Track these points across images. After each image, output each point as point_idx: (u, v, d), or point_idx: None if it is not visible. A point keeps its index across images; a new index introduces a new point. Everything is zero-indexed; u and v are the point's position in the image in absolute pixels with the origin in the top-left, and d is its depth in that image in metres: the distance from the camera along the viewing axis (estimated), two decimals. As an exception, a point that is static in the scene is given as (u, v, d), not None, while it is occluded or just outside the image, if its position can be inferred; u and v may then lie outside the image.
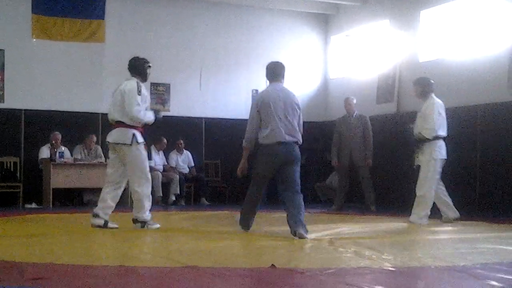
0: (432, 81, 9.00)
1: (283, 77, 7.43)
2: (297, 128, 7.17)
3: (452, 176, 11.28)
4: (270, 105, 7.05)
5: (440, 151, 8.69)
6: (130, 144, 7.46)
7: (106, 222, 7.57)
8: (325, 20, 14.78)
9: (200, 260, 5.12)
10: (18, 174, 12.02)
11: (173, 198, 12.47)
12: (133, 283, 4.16)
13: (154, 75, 13.25)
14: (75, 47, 12.60)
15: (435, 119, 8.59)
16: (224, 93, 13.70)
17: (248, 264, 4.99)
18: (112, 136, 7.62)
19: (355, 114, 11.43)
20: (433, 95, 8.82)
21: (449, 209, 8.84)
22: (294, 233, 6.65)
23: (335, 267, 4.77)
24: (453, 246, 6.29)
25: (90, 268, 4.68)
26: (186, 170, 13.06)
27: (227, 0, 13.73)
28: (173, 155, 13.02)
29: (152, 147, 12.70)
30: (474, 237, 7.10)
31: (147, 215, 7.60)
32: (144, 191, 7.58)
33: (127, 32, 13.09)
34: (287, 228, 7.67)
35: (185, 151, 13.13)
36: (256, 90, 14.01)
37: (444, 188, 8.94)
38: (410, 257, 5.42)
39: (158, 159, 12.76)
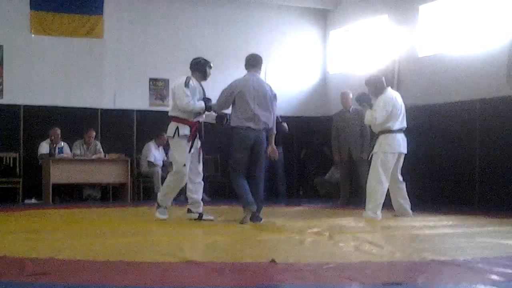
0: (383, 77, 8.93)
1: (259, 68, 8.04)
2: (270, 116, 7.80)
3: (452, 170, 11.32)
4: (244, 92, 7.74)
5: (390, 144, 8.51)
6: (172, 137, 7.97)
7: (200, 215, 8.09)
8: (324, 15, 14.77)
9: (200, 255, 5.13)
10: (17, 170, 12.02)
11: (173, 193, 12.44)
12: (133, 278, 4.16)
13: (152, 70, 13.38)
14: (74, 42, 12.59)
15: (378, 113, 8.45)
16: (222, 88, 13.65)
17: (248, 259, 4.98)
18: (168, 130, 8.21)
19: (351, 108, 11.41)
20: (388, 89, 8.74)
21: (400, 208, 8.74)
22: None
23: (335, 262, 4.77)
24: (453, 240, 6.30)
25: (90, 263, 4.69)
26: (186, 166, 13.02)
27: (226, -5, 13.74)
28: (173, 150, 12.99)
29: (152, 142, 12.70)
30: (474, 231, 7.11)
31: (163, 201, 8.08)
32: (171, 180, 7.99)
33: (125, 28, 13.07)
34: (288, 222, 7.69)
35: (184, 146, 13.09)
36: (255, 85, 14.02)
37: (403, 187, 8.78)
38: (410, 251, 5.43)
39: (158, 154, 12.75)
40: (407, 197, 8.83)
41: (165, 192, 8.07)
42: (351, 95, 11.42)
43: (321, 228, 7.13)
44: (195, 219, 8.00)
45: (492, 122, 10.75)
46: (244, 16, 14.11)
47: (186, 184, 8.11)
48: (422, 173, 11.58)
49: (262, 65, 8.11)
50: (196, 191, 8.13)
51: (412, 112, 10.65)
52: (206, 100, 8.11)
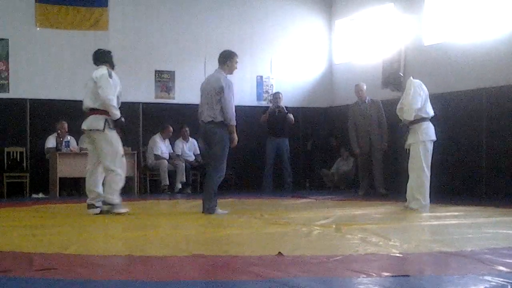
0: (399, 72, 8.96)
1: (223, 63, 8.13)
2: (213, 107, 7.95)
3: (459, 160, 11.29)
4: (202, 89, 8.19)
5: (426, 132, 8.50)
6: (103, 130, 7.75)
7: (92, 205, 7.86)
8: (329, 5, 14.72)
9: (206, 248, 5.13)
10: (24, 164, 12.05)
11: (179, 186, 12.47)
12: (140, 272, 4.17)
13: (158, 62, 13.37)
14: (79, 35, 12.58)
15: (412, 99, 8.41)
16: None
17: (255, 252, 4.99)
18: (85, 123, 7.91)
19: (367, 99, 11.42)
20: (410, 78, 8.69)
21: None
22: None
23: (342, 254, 4.77)
24: (460, 231, 6.28)
25: (97, 258, 4.70)
26: (192, 158, 13.05)
27: (231, -14, 13.71)
28: (179, 143, 13.01)
29: (158, 135, 12.70)
30: (481, 222, 7.10)
31: (115, 199, 7.79)
32: (115, 175, 7.78)
33: (130, 20, 13.06)
34: (294, 215, 7.69)
35: (190, 139, 13.10)
36: (261, 77, 14.01)
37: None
38: (417, 243, 5.42)
39: (164, 147, 12.76)
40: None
41: (117, 190, 7.83)
42: (365, 87, 11.43)
43: (327, 220, 7.13)
44: (97, 214, 7.78)
45: (499, 111, 10.71)
46: (249, 7, 14.07)
47: (87, 178, 8.00)
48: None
49: (229, 59, 8.09)
50: (96, 185, 7.93)
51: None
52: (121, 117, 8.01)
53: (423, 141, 8.50)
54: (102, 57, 8.12)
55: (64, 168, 11.42)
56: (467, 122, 11.18)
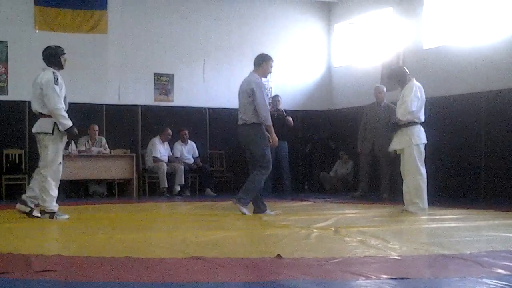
0: (404, 68, 8.98)
1: (257, 66, 8.23)
2: (247, 108, 8.02)
3: (457, 163, 11.30)
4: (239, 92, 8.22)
5: (419, 135, 8.54)
6: (52, 133, 7.57)
7: (31, 210, 7.66)
8: (328, 8, 14.73)
9: (205, 250, 5.13)
10: (23, 166, 12.03)
11: (178, 188, 12.47)
12: (139, 274, 4.16)
13: (157, 65, 13.37)
14: (78, 38, 12.57)
15: (411, 100, 8.42)
16: (227, 83, 13.63)
17: (254, 254, 4.98)
18: (35, 126, 7.74)
19: (383, 103, 11.41)
20: (413, 79, 8.69)
21: None
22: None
23: (341, 257, 4.77)
24: (459, 234, 6.28)
25: (96, 260, 4.69)
26: (191, 161, 13.05)
27: (230, -11, 13.72)
28: (178, 146, 13.02)
29: (157, 138, 12.70)
30: (480, 225, 7.10)
31: (52, 206, 7.58)
32: (49, 182, 7.58)
33: (129, 23, 13.06)
34: (293, 217, 7.69)
35: (189, 141, 13.11)
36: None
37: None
38: (416, 245, 5.42)
39: (163, 149, 12.76)
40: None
41: (52, 196, 7.59)
42: (385, 89, 11.41)
43: (326, 222, 7.13)
44: (24, 212, 7.66)
45: (498, 114, 10.72)
46: (249, 11, 14.08)
47: (34, 179, 7.74)
48: (427, 166, 11.52)
49: (264, 62, 8.18)
50: (35, 186, 7.70)
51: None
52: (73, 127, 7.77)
53: (417, 144, 8.53)
54: (48, 59, 7.86)
55: (63, 171, 11.35)
56: (466, 125, 11.19)
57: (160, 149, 12.68)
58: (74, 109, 12.44)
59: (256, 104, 7.93)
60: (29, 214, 7.63)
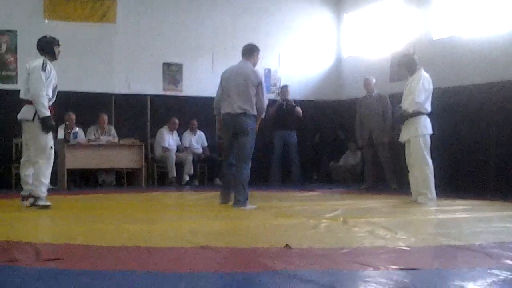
0: (415, 56, 8.98)
1: (249, 56, 8.17)
2: (249, 99, 7.86)
3: (467, 154, 11.25)
4: (227, 79, 8.00)
5: (426, 126, 8.56)
6: (32, 120, 7.52)
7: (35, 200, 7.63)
8: (338, -2, 14.67)
9: (213, 240, 5.13)
10: (32, 155, 12.04)
11: (187, 178, 12.48)
12: (147, 263, 4.17)
13: (166, 55, 13.36)
14: (87, 28, 12.57)
15: (418, 91, 8.44)
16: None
17: (262, 244, 4.98)
18: (20, 113, 7.73)
19: (374, 93, 11.41)
20: (421, 68, 8.69)
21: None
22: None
23: (349, 247, 4.76)
24: (468, 225, 6.27)
25: (105, 249, 4.71)
26: (200, 150, 13.06)
27: (239, -21, 13.68)
28: (187, 135, 13.02)
29: (165, 128, 12.71)
30: (490, 216, 7.08)
31: (42, 191, 7.57)
32: (41, 167, 7.57)
33: (138, 12, 13.04)
34: (302, 207, 7.68)
35: (198, 131, 13.12)
36: (269, 70, 13.97)
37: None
38: (425, 236, 5.41)
39: (172, 139, 12.77)
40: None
41: (43, 183, 7.59)
42: (374, 80, 11.44)
43: (335, 213, 7.12)
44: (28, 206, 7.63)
45: (508, 105, 10.65)
46: (258, 1, 14.03)
47: (23, 170, 7.77)
48: (437, 157, 11.48)
49: (255, 52, 8.21)
50: (30, 176, 7.72)
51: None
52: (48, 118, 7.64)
53: (423, 135, 8.55)
54: (41, 47, 7.80)
55: (72, 160, 11.44)
56: (476, 116, 11.13)
57: (169, 139, 12.68)
58: (84, 98, 12.61)
59: (262, 98, 7.94)
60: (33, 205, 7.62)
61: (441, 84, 11.66)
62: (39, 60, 7.64)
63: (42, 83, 7.50)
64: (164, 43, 13.27)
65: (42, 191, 7.58)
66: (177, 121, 12.75)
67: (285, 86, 13.12)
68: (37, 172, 7.58)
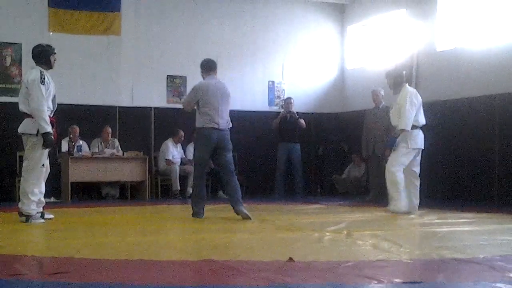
0: (404, 72, 9.06)
1: (214, 70, 8.50)
2: (227, 115, 8.26)
3: (471, 166, 11.23)
4: (209, 94, 8.12)
5: (415, 140, 8.64)
6: (36, 135, 7.37)
7: (42, 214, 7.58)
8: (341, 10, 14.70)
9: (217, 253, 5.12)
10: (36, 168, 12.05)
11: (191, 191, 12.45)
12: (151, 276, 4.17)
13: (170, 67, 13.40)
14: (92, 40, 12.62)
15: (408, 110, 8.52)
16: (240, 85, 13.64)
17: (265, 257, 4.97)
18: (20, 127, 7.55)
19: (382, 105, 11.39)
20: (406, 85, 8.77)
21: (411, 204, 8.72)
22: (237, 213, 7.91)
23: (353, 260, 4.75)
24: (472, 237, 6.25)
25: (109, 262, 4.70)
26: (204, 163, 13.04)
27: (243, -9, 13.73)
28: (191, 148, 12.99)
29: (170, 140, 12.72)
30: (494, 228, 7.06)
31: (30, 209, 7.38)
32: (29, 184, 7.41)
33: (143, 25, 13.09)
34: (305, 220, 7.67)
35: (202, 143, 13.10)
36: (273, 82, 14.00)
37: (418, 184, 8.82)
38: (429, 249, 5.39)
39: (176, 152, 12.77)
40: (418, 195, 8.83)
41: (31, 200, 7.37)
42: (382, 92, 11.40)
43: (339, 225, 7.11)
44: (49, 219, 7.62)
45: (512, 117, 10.65)
46: (262, 12, 14.08)
47: None
48: (441, 169, 11.52)
49: (216, 68, 8.58)
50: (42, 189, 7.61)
51: (430, 107, 10.56)
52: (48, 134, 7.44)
53: (408, 147, 8.61)
54: (37, 56, 7.65)
55: (76, 173, 11.45)
56: (480, 128, 11.12)
57: (173, 152, 12.69)
58: (88, 111, 12.64)
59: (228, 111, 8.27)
60: (41, 216, 7.56)
61: (445, 95, 11.68)
62: (36, 72, 7.46)
63: (43, 97, 7.35)
64: (168, 55, 13.31)
65: (31, 208, 7.37)
66: (182, 133, 12.77)
67: (289, 98, 13.13)
68: (24, 188, 7.39)
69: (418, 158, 8.81)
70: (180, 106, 13.27)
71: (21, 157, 11.91)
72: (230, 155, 8.27)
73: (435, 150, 10.82)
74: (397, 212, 8.53)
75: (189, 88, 13.41)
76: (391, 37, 13.44)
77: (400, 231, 6.74)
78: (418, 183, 8.83)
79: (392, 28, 13.43)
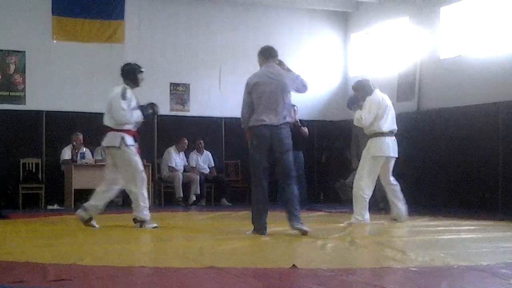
0: (367, 80, 8.91)
1: (275, 56, 7.59)
2: (286, 107, 7.35)
3: (474, 174, 11.21)
4: (260, 84, 7.16)
5: (379, 147, 8.45)
6: (119, 147, 7.66)
7: (90, 219, 7.77)
8: (344, 18, 14.72)
9: (220, 260, 5.12)
10: (40, 175, 12.10)
11: (194, 198, 12.49)
12: (155, 284, 4.17)
13: (173, 75, 13.42)
14: (95, 48, 12.66)
15: (365, 113, 8.41)
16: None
17: (269, 264, 4.97)
18: (104, 140, 7.88)
19: None
20: (376, 91, 8.63)
21: (396, 210, 8.62)
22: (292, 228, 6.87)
23: (357, 267, 4.74)
24: (475, 245, 6.23)
25: (112, 269, 4.70)
26: (207, 171, 13.07)
27: (246, -1, 13.76)
28: (194, 155, 13.04)
29: (173, 148, 12.73)
30: (497, 236, 7.05)
31: (144, 214, 7.72)
32: (138, 191, 7.72)
33: (146, 33, 13.12)
34: (309, 227, 7.64)
35: (205, 151, 13.14)
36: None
37: (397, 189, 8.65)
38: (433, 256, 5.38)
39: (179, 159, 12.78)
40: (402, 198, 8.69)
41: (142, 206, 7.70)
42: None
43: (342, 233, 7.09)
44: (82, 219, 7.77)
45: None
46: (265, 20, 14.10)
47: (101, 187, 7.87)
48: (444, 177, 11.50)
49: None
50: (106, 200, 7.91)
51: (433, 115, 10.63)
52: (143, 108, 8.03)
53: (373, 156, 8.45)
54: (124, 74, 8.05)
55: (79, 180, 11.45)
56: (483, 136, 11.11)
57: (176, 159, 12.70)
58: (91, 119, 12.63)
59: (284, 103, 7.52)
60: (86, 222, 7.75)
61: (448, 103, 11.67)
62: (118, 89, 7.85)
63: (123, 110, 7.68)
64: (171, 63, 13.33)
65: (145, 214, 7.71)
66: (186, 141, 12.78)
67: (292, 106, 13.11)
68: (136, 198, 7.72)
69: (390, 166, 8.58)
70: (182, 113, 13.40)
71: (24, 164, 12.00)
72: (286, 157, 7.15)
73: (438, 158, 10.82)
74: (359, 221, 8.36)
75: (192, 96, 13.53)
76: (394, 45, 13.45)
77: (403, 239, 6.73)
78: (398, 188, 8.64)
79: (395, 36, 13.44)
